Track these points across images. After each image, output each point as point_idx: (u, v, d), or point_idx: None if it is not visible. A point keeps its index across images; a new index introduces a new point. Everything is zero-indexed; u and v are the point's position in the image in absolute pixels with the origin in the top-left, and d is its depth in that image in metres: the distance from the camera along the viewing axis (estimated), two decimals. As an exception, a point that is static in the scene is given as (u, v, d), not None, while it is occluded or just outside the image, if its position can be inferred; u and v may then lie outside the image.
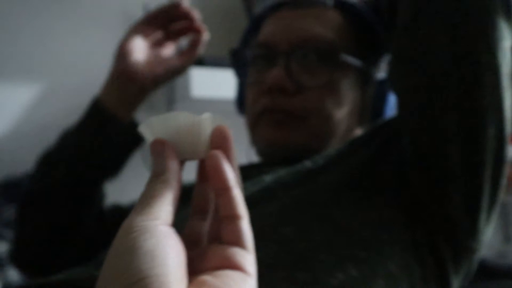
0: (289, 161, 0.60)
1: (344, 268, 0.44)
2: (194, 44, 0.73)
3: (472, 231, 0.54)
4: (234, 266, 0.28)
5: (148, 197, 0.27)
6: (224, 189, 0.29)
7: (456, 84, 0.51)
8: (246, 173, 0.55)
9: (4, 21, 1.17)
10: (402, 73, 0.56)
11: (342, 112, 0.64)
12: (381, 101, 0.68)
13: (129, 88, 0.71)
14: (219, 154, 0.29)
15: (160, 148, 0.30)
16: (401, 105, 0.57)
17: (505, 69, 0.52)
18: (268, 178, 0.55)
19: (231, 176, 0.29)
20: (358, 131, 0.70)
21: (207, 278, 0.26)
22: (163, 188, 0.28)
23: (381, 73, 0.70)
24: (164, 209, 0.27)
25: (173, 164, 0.29)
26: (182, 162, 0.31)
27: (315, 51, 0.64)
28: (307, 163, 0.57)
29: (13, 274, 0.94)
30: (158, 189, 0.28)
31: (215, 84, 1.00)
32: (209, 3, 1.43)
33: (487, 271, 1.24)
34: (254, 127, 0.68)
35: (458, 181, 0.52)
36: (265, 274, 0.31)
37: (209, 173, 0.29)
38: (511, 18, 0.53)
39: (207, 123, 0.31)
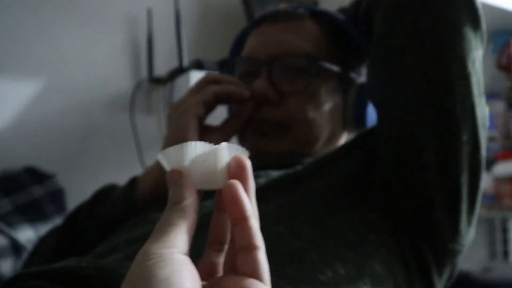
0: (280, 165, 0.63)
1: (332, 266, 0.46)
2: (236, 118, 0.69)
3: (454, 234, 0.56)
4: None
5: (164, 226, 0.27)
6: (240, 219, 0.29)
7: (428, 94, 0.54)
8: None
9: (7, 17, 1.18)
10: (378, 85, 0.60)
11: (324, 117, 0.68)
12: (363, 104, 0.71)
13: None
14: (236, 183, 0.29)
15: (177, 177, 0.30)
16: (379, 115, 0.60)
17: (474, 78, 0.54)
18: (261, 180, 0.57)
19: (248, 206, 0.29)
20: (344, 134, 0.73)
21: None
22: (180, 217, 0.28)
23: (362, 77, 0.73)
24: (180, 238, 0.27)
25: (190, 193, 0.29)
26: (199, 192, 0.31)
27: (293, 61, 0.67)
28: (298, 168, 0.59)
29: (6, 267, 0.95)
30: (174, 218, 0.28)
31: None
32: (209, 7, 1.45)
33: (471, 284, 1.25)
34: (241, 137, 0.72)
35: (436, 187, 0.55)
36: None
37: (226, 203, 0.29)
38: (479, 29, 0.56)
39: (223, 152, 0.31)
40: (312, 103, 0.67)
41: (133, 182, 0.67)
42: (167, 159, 0.31)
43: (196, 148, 0.31)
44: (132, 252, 0.41)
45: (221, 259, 0.32)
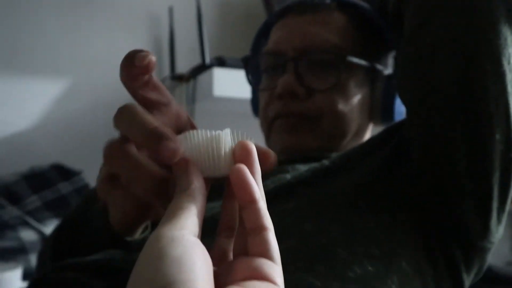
0: (307, 159, 0.63)
1: (360, 263, 0.46)
2: None
3: (484, 232, 0.55)
4: (262, 277, 0.28)
5: (174, 210, 0.28)
6: (249, 202, 0.30)
7: (461, 92, 0.52)
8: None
9: (34, 18, 1.21)
10: (408, 83, 0.57)
11: (353, 111, 0.66)
12: (390, 96, 0.69)
13: None
14: (243, 167, 0.30)
15: (183, 166, 0.31)
16: (408, 114, 0.59)
17: (509, 76, 0.52)
18: (288, 176, 0.57)
19: (256, 189, 0.30)
20: (370, 128, 0.72)
21: None
22: (189, 202, 0.29)
23: (389, 68, 0.72)
24: (190, 220, 0.27)
25: (197, 179, 0.30)
26: (207, 180, 0.32)
27: (321, 56, 0.65)
28: (325, 163, 0.59)
29: (36, 260, 0.98)
30: (184, 202, 0.28)
31: (236, 84, 1.03)
32: (230, 4, 1.45)
33: (493, 277, 1.24)
34: (268, 133, 0.70)
35: (467, 186, 0.53)
36: (285, 265, 0.32)
37: (234, 187, 0.30)
38: None
39: (227, 138, 0.31)
40: (341, 96, 0.65)
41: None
42: None
43: (198, 136, 0.31)
44: None
45: (231, 245, 0.32)
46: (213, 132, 0.31)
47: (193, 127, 0.40)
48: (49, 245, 0.61)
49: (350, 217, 0.51)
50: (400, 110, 0.71)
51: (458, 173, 0.53)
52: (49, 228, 1.03)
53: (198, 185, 0.30)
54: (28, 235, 1.01)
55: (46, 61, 1.21)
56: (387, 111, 0.70)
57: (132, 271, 0.25)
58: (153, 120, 0.32)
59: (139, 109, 0.33)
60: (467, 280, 0.57)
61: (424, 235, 0.54)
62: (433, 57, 0.54)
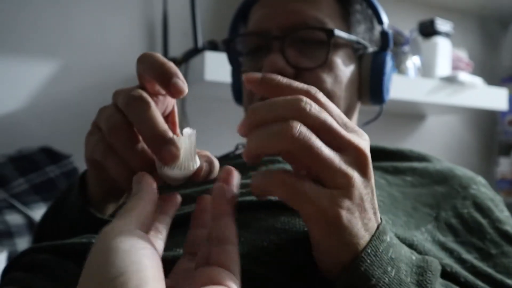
0: None
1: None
2: None
3: None
4: (218, 282, 0.29)
5: (125, 209, 0.31)
6: (221, 215, 0.33)
7: None
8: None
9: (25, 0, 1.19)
10: None
11: (342, 89, 0.64)
12: (378, 73, 0.67)
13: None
14: (223, 186, 0.35)
15: (139, 178, 0.35)
16: None
17: None
18: (285, 166, 0.56)
19: (231, 207, 0.34)
20: (358, 107, 0.71)
21: None
22: (138, 203, 0.31)
23: (375, 45, 0.71)
24: (139, 218, 0.30)
25: (147, 186, 0.33)
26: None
27: (308, 33, 0.63)
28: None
29: (22, 244, 0.97)
30: (134, 203, 0.31)
31: (228, 68, 1.01)
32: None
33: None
34: None
35: None
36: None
37: (214, 198, 0.34)
38: None
39: (183, 139, 0.36)
40: (330, 75, 0.63)
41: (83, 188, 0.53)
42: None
43: (183, 140, 0.36)
44: None
45: (193, 265, 0.34)
46: (187, 133, 0.36)
47: (173, 115, 0.43)
48: (34, 231, 0.61)
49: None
50: (388, 87, 0.70)
51: None
52: (36, 212, 1.02)
53: (147, 190, 0.33)
54: (14, 219, 0.99)
55: (36, 42, 1.19)
56: (376, 90, 0.68)
57: (85, 264, 0.27)
58: (163, 122, 0.35)
59: (153, 106, 0.36)
60: None
61: None
62: None
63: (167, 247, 0.40)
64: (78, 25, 1.24)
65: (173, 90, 0.35)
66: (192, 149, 0.36)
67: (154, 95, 0.40)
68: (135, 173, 0.37)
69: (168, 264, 0.38)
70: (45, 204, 1.05)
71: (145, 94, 0.37)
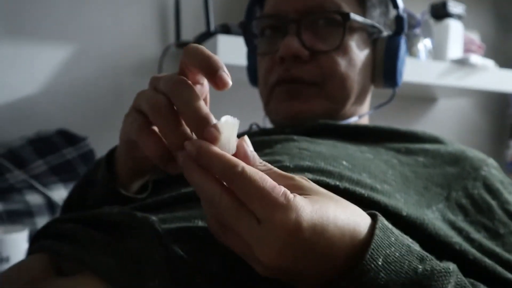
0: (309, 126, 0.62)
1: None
2: None
3: None
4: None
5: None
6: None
7: None
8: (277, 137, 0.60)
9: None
10: None
11: (356, 72, 0.66)
12: (392, 57, 0.69)
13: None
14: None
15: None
16: None
17: None
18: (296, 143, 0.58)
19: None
20: (371, 90, 0.72)
21: None
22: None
23: (390, 28, 0.71)
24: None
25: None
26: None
27: (324, 16, 0.64)
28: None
29: (42, 223, 1.00)
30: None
31: (240, 51, 1.02)
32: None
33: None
34: (268, 99, 0.69)
35: None
36: None
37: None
38: None
39: (224, 125, 0.37)
40: (345, 58, 0.64)
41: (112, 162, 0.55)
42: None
43: (225, 125, 0.38)
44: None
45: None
46: (229, 120, 0.38)
47: (206, 104, 0.45)
48: (61, 207, 0.65)
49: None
50: (402, 70, 0.70)
51: None
52: (54, 192, 1.05)
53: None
54: (34, 199, 1.02)
55: (53, 27, 1.21)
56: (390, 73, 0.69)
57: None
58: (205, 107, 0.38)
59: (196, 93, 0.38)
60: None
61: None
62: None
63: (184, 218, 0.43)
64: (93, 10, 1.25)
65: (219, 82, 0.37)
66: (232, 136, 0.37)
67: (194, 84, 0.41)
68: (171, 152, 0.39)
69: (186, 234, 0.40)
70: (63, 185, 1.08)
71: (189, 85, 0.39)
